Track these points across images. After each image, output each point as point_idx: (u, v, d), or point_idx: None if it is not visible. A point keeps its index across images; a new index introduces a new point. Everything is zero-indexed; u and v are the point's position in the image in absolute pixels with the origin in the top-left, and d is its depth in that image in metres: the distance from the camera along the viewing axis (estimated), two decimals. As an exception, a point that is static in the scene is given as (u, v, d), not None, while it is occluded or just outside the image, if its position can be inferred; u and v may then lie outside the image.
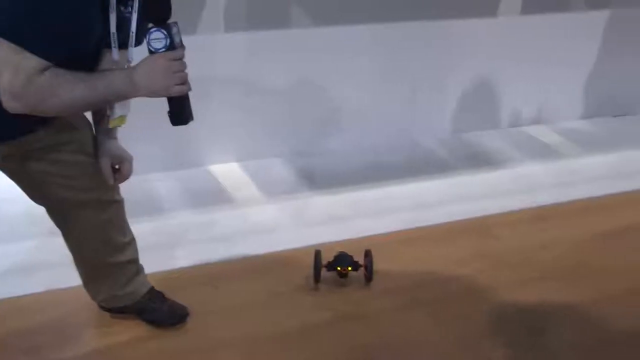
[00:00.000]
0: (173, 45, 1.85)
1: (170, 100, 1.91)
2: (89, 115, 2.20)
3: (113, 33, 1.89)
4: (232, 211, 3.42)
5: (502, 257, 3.09)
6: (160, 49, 1.85)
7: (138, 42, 1.96)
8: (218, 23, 3.56)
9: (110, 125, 2.07)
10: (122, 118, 2.06)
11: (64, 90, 1.77)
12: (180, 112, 1.93)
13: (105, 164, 2.18)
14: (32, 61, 1.71)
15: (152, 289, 2.55)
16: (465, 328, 2.61)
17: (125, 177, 2.24)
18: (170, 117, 1.93)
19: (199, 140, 3.77)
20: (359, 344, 2.51)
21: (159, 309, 2.53)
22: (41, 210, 2.21)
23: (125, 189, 2.33)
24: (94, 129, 2.20)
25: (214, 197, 3.53)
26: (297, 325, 2.59)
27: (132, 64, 1.93)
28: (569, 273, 2.98)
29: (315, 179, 3.78)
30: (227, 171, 3.79)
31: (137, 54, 1.95)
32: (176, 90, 1.87)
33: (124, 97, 1.92)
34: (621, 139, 4.50)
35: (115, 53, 1.93)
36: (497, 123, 4.57)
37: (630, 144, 4.42)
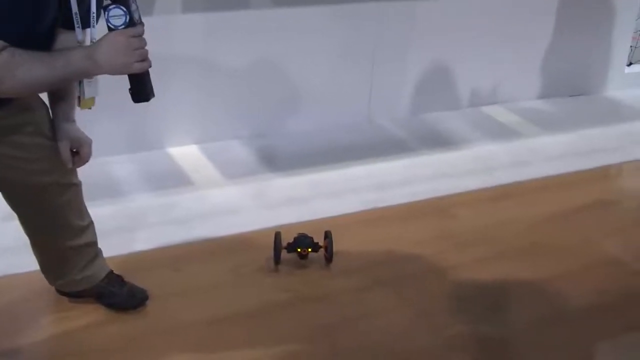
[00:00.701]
0: (132, 22, 1.84)
1: (131, 77, 1.90)
2: (45, 97, 2.16)
3: (75, 13, 1.89)
4: (192, 193, 3.40)
5: (461, 236, 3.11)
6: (119, 25, 1.83)
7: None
8: (175, 3, 3.52)
9: (81, 107, 2.04)
10: (91, 100, 2.03)
11: (23, 70, 1.76)
12: (141, 89, 1.92)
13: (64, 147, 2.14)
14: None
15: (110, 272, 2.52)
16: (426, 306, 2.63)
17: (84, 161, 2.21)
18: (131, 95, 1.92)
19: (158, 122, 3.74)
20: (320, 324, 2.51)
21: (118, 293, 2.51)
22: (-4, 194, 2.18)
23: (83, 172, 2.30)
24: (51, 112, 2.17)
25: (173, 179, 3.50)
26: (258, 307, 2.59)
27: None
28: (526, 251, 3.02)
29: (275, 160, 3.76)
30: (186, 153, 3.76)
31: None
32: (137, 67, 1.86)
33: (84, 75, 1.91)
34: (578, 118, 4.55)
35: (79, 33, 1.92)
36: (456, 103, 4.59)
37: (586, 123, 4.47)
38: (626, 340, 2.55)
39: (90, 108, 2.07)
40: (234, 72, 3.80)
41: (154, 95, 1.95)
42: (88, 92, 2.02)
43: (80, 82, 2.00)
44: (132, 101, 1.94)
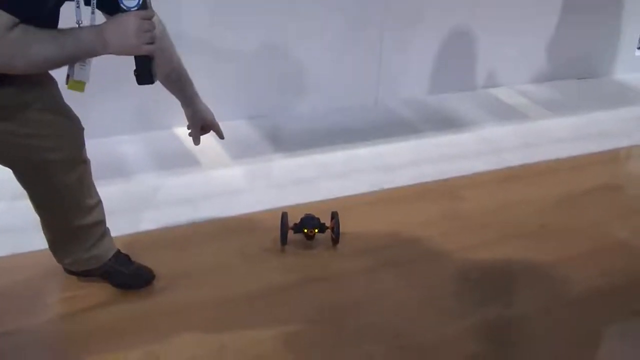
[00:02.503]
0: (145, 5, 1.86)
1: (138, 59, 1.92)
2: (56, 73, 2.15)
3: None
4: (198, 174, 3.41)
5: (468, 218, 3.11)
6: (132, 7, 1.85)
7: None
8: (182, -16, 3.51)
9: (68, 87, 2.03)
10: (81, 84, 2.03)
11: (34, 47, 1.77)
12: (146, 72, 1.94)
13: (195, 130, 2.51)
14: (1, 18, 1.69)
15: (118, 252, 2.53)
16: (433, 288, 2.63)
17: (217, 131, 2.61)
18: (136, 77, 1.94)
19: (165, 102, 3.70)
20: (327, 305, 2.52)
21: (125, 272, 2.51)
22: (7, 172, 2.18)
23: (91, 151, 2.30)
24: (179, 98, 2.44)
25: (180, 159, 3.50)
26: (264, 287, 2.59)
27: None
28: (534, 233, 3.02)
29: (282, 141, 3.76)
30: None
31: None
32: (146, 49, 1.88)
33: (93, 54, 1.91)
34: (586, 101, 4.54)
35: (77, 13, 1.93)
36: (464, 85, 4.58)
37: (595, 106, 4.46)
38: (633, 323, 2.56)
39: (81, 91, 2.06)
40: (240, 53, 3.80)
41: (157, 79, 1.98)
42: (78, 74, 2.02)
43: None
44: (138, 83, 1.96)
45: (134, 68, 1.93)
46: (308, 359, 2.28)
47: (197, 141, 2.51)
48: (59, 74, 2.04)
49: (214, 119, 2.52)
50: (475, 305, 2.54)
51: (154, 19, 1.92)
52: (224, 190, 3.26)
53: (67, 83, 2.03)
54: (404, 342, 2.35)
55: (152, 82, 1.96)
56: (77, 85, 2.03)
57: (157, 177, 3.34)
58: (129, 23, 1.84)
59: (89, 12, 1.97)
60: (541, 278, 2.72)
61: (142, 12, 1.86)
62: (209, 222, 3.00)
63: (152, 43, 1.89)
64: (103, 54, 1.90)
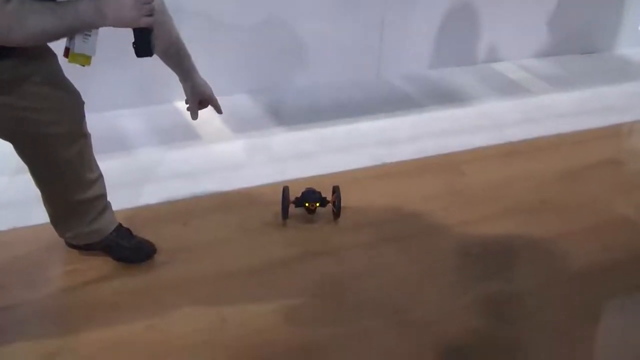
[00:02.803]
0: None
1: (137, 31, 1.91)
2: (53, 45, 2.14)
3: None
4: (199, 148, 3.40)
5: (469, 193, 3.11)
6: None
7: None
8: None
9: (69, 61, 2.01)
10: (86, 58, 2.00)
11: (32, 19, 1.76)
12: (145, 44, 1.94)
13: (192, 105, 2.47)
14: None
15: (119, 225, 2.53)
16: (434, 263, 2.64)
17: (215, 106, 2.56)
18: (135, 49, 1.94)
19: (166, 76, 3.68)
20: (328, 278, 2.53)
21: (126, 246, 2.52)
22: (7, 146, 2.17)
23: (92, 125, 2.30)
24: (177, 72, 2.44)
25: (180, 133, 3.50)
26: (266, 261, 2.60)
27: None
28: (535, 208, 3.02)
29: (283, 115, 3.75)
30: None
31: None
32: (144, 22, 1.87)
33: (91, 26, 1.90)
34: (589, 76, 4.52)
35: None
36: (466, 59, 4.56)
37: (597, 81, 4.44)
38: (635, 298, 2.56)
39: (83, 65, 2.03)
40: (240, 26, 3.77)
41: (156, 51, 1.98)
42: (80, 47, 1.98)
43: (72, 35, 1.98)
44: (137, 56, 1.96)
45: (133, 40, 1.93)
46: (308, 332, 2.29)
47: (194, 116, 2.50)
48: (59, 47, 2.03)
49: (212, 93, 2.51)
50: (476, 280, 2.55)
51: None
52: (225, 165, 3.26)
53: (66, 56, 2.01)
54: (405, 317, 2.36)
55: (150, 55, 1.96)
56: (81, 58, 2.00)
57: (158, 151, 3.34)
58: None
59: None
60: (542, 253, 2.73)
61: None
62: (210, 196, 3.00)
63: (150, 15, 1.87)
64: (101, 26, 1.89)
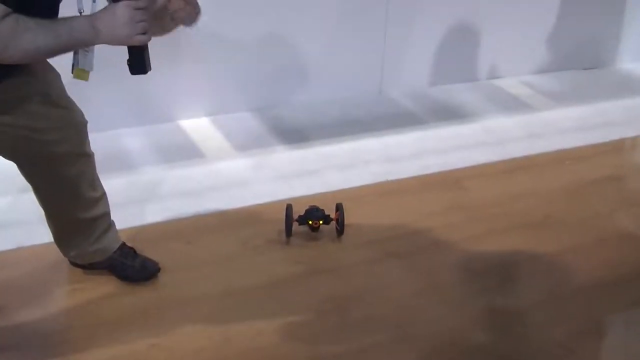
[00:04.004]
0: None
1: (131, 49, 1.91)
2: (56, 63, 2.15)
3: None
4: (202, 166, 3.41)
5: (472, 209, 3.11)
6: None
7: None
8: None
9: (74, 76, 2.03)
10: (86, 73, 2.03)
11: (27, 36, 1.76)
12: (140, 62, 1.93)
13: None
14: None
15: (123, 244, 2.54)
16: (438, 279, 2.64)
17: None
18: (129, 67, 1.93)
19: (169, 95, 3.73)
20: (332, 296, 2.52)
21: (130, 265, 2.52)
22: (11, 166, 2.18)
23: (95, 144, 2.30)
24: None
25: (184, 152, 3.51)
26: (269, 279, 2.60)
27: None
28: (538, 224, 3.01)
29: (286, 132, 3.76)
30: (197, 126, 3.77)
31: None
32: (138, 40, 1.86)
33: (86, 44, 1.91)
34: (591, 92, 4.52)
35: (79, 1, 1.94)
36: (468, 76, 4.57)
37: (600, 96, 4.44)
38: (637, 314, 2.56)
39: (85, 80, 2.06)
40: (244, 44, 3.79)
41: (150, 69, 1.96)
42: (82, 62, 2.01)
43: (76, 51, 2.00)
44: (131, 73, 1.95)
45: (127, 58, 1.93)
46: (313, 350, 2.29)
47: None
48: (62, 66, 2.04)
49: None
50: (480, 296, 2.55)
51: None
52: (229, 183, 3.27)
53: (72, 72, 2.03)
54: (408, 333, 2.35)
55: (145, 73, 1.95)
56: (82, 73, 2.03)
57: (162, 169, 3.34)
58: (119, 13, 1.81)
59: (90, 1, 1.97)
60: (545, 268, 2.72)
61: (134, 3, 1.82)
62: (214, 214, 3.00)
63: (144, 33, 1.86)
64: (96, 44, 1.89)
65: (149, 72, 1.97)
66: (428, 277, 2.65)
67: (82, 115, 2.22)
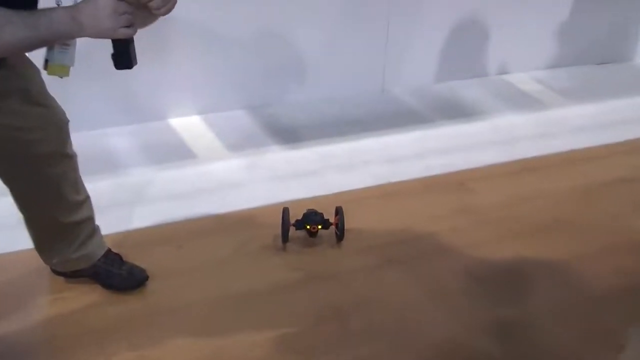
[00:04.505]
0: None
1: (115, 43, 1.90)
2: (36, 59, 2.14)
3: None
4: (194, 167, 3.41)
5: (479, 212, 3.11)
6: None
7: None
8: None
9: (48, 73, 2.02)
10: (64, 68, 2.02)
11: (5, 29, 1.74)
12: (124, 56, 1.92)
13: None
14: None
15: (108, 251, 2.53)
16: (442, 287, 2.63)
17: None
18: (114, 61, 1.93)
19: (158, 91, 3.73)
20: (331, 304, 2.52)
21: (116, 273, 2.51)
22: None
23: (79, 144, 2.30)
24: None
25: (175, 152, 3.51)
26: (265, 287, 2.60)
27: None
28: (548, 228, 3.01)
29: (283, 132, 3.76)
30: (189, 125, 3.77)
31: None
32: (122, 33, 1.84)
33: (67, 37, 1.89)
34: (605, 88, 4.52)
35: None
36: (475, 71, 4.57)
37: (614, 93, 4.44)
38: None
39: (61, 77, 2.04)
40: (238, 39, 3.79)
41: (136, 63, 1.95)
42: (59, 58, 1.99)
43: (51, 46, 1.99)
44: (116, 68, 1.94)
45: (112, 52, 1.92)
46: (310, 362, 2.29)
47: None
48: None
49: None
50: (486, 305, 2.54)
51: None
52: (221, 185, 3.27)
53: (45, 69, 2.02)
54: (410, 343, 2.35)
55: (130, 67, 1.94)
56: (60, 69, 2.01)
57: (150, 171, 3.34)
58: (102, 4, 1.80)
59: None
60: (555, 276, 2.72)
61: None
62: (206, 218, 3.00)
63: (129, 26, 1.85)
64: (78, 37, 1.88)
65: (135, 67, 1.96)
66: (431, 284, 2.64)
67: (64, 113, 2.21)
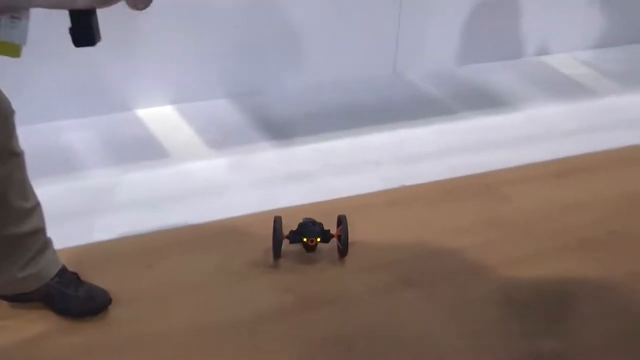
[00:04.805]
0: None
1: (73, 14, 1.90)
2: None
3: None
4: (167, 168, 3.42)
5: (513, 224, 3.11)
6: None
7: None
8: None
9: None
10: (13, 48, 2.01)
11: None
12: (85, 31, 1.92)
13: None
14: None
15: (63, 269, 2.53)
16: (468, 315, 2.63)
17: None
18: (73, 36, 1.92)
19: (124, 77, 3.74)
20: (331, 335, 2.52)
21: (72, 295, 2.51)
22: None
23: (28, 139, 2.30)
24: None
25: (144, 149, 3.52)
26: (252, 314, 2.60)
27: None
28: (600, 243, 3.02)
29: (273, 125, 3.77)
30: (160, 116, 3.79)
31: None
32: (82, 3, 1.84)
33: (15, 7, 1.89)
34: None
35: None
36: (507, 52, 4.57)
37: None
38: None
39: (12, 56, 2.04)
40: (221, 14, 3.80)
41: (100, 39, 1.95)
42: (6, 34, 1.99)
43: None
44: (75, 45, 1.93)
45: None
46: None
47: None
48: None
49: None
50: (522, 337, 2.54)
51: None
52: (200, 189, 3.28)
53: None
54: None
55: (92, 44, 1.94)
56: (7, 48, 2.01)
57: (114, 172, 3.35)
58: None
59: None
60: (609, 300, 2.72)
61: None
62: (181, 230, 3.01)
63: None
64: (30, 7, 1.88)
65: (98, 45, 1.95)
66: (456, 311, 2.65)
67: (9, 103, 2.21)
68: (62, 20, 1.90)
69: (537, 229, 3.08)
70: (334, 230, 2.85)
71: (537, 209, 3.21)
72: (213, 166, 3.45)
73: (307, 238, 2.80)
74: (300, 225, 2.84)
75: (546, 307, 2.68)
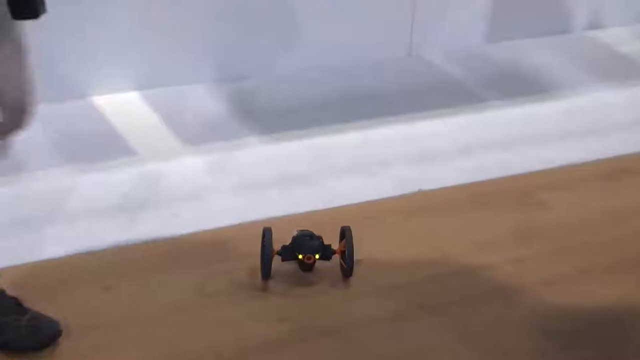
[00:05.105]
0: None
1: None
2: None
3: None
4: (133, 168, 3.43)
5: (553, 236, 3.12)
6: None
7: None
8: None
9: None
10: None
11: None
12: None
13: None
14: None
15: (2, 294, 2.53)
16: (498, 344, 2.64)
17: None
18: (10, 6, 1.92)
19: (79, 57, 3.74)
20: (333, 370, 2.53)
21: (14, 326, 2.51)
22: None
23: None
24: None
25: (103, 146, 3.53)
26: (236, 347, 2.60)
27: None
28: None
29: (262, 117, 3.77)
30: (124, 105, 3.80)
31: None
32: None
33: None
34: None
35: None
36: (546, 26, 4.58)
37: None
38: None
39: None
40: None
41: (45, 10, 1.96)
42: None
43: None
44: (14, 17, 1.94)
45: None
46: None
47: None
48: None
49: None
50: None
51: None
52: (173, 194, 3.29)
53: None
54: None
55: (35, 16, 1.95)
56: None
57: (67, 173, 3.36)
58: None
59: None
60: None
61: None
62: (149, 244, 3.01)
63: None
64: None
65: (42, 17, 1.96)
66: (482, 340, 2.65)
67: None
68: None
69: (580, 242, 3.09)
70: (335, 245, 2.85)
71: (580, 219, 3.22)
72: (189, 167, 3.46)
73: (303, 254, 2.80)
74: (294, 238, 2.84)
75: (590, 335, 2.69)
